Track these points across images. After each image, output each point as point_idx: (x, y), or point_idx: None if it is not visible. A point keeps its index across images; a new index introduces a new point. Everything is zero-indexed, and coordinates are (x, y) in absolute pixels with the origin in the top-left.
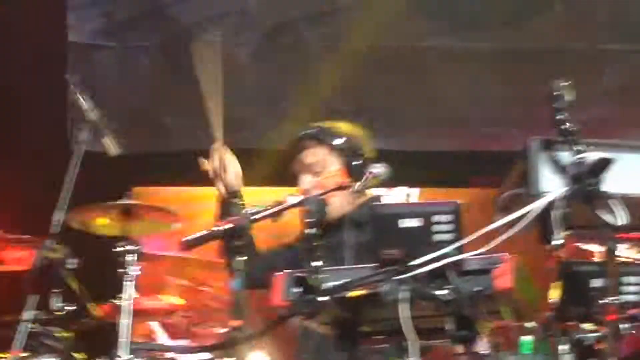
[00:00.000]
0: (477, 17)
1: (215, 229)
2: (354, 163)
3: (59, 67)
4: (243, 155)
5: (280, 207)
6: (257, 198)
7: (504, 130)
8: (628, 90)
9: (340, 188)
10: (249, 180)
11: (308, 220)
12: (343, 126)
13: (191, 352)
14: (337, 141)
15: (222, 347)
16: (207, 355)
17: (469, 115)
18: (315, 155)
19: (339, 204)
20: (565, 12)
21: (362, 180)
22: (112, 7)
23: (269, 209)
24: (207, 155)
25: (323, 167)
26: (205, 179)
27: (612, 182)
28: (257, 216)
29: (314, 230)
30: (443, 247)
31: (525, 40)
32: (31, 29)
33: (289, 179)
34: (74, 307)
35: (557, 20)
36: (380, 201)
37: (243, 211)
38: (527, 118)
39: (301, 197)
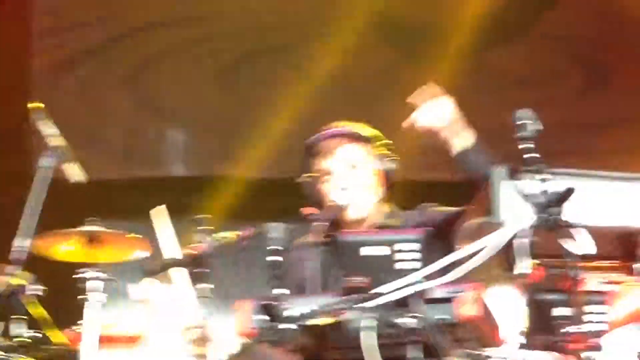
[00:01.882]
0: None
1: (178, 256)
2: (389, 168)
3: (21, 93)
4: None
5: (245, 234)
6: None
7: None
8: None
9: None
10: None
11: (271, 247)
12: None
13: None
14: (375, 139)
15: None
16: None
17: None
18: (354, 151)
19: None
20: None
21: (327, 209)
22: (76, 35)
23: (234, 236)
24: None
25: (364, 163)
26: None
27: (576, 212)
28: (221, 243)
29: (277, 258)
30: (407, 276)
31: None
32: None
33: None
34: (37, 334)
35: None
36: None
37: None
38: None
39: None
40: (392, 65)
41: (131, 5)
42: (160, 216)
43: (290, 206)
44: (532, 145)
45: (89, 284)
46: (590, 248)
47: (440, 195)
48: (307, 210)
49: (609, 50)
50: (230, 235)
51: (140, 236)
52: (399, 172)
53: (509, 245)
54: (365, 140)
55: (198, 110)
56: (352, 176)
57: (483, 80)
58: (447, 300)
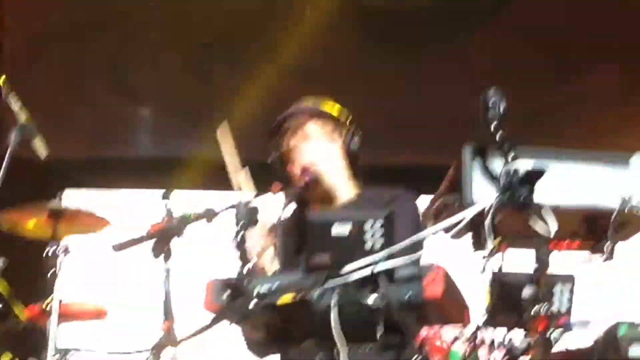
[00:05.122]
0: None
1: (146, 231)
2: (354, 144)
3: None
4: None
5: (212, 210)
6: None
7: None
8: None
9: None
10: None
11: (238, 225)
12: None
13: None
14: (341, 116)
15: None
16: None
17: None
18: (319, 128)
19: None
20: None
21: (294, 187)
22: (49, 15)
23: (201, 212)
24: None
25: (329, 140)
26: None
27: (545, 192)
28: (189, 218)
29: (242, 235)
30: (374, 254)
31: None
32: None
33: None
34: (0, 308)
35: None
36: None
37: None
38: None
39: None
40: (360, 49)
41: None
42: (224, 134)
43: (258, 186)
44: (501, 125)
45: (58, 259)
46: (554, 229)
47: (406, 179)
48: (275, 188)
49: (577, 39)
50: (193, 213)
51: (102, 215)
52: (367, 152)
53: (479, 225)
54: (331, 117)
55: (168, 91)
56: (318, 153)
57: (450, 66)
58: (413, 279)
